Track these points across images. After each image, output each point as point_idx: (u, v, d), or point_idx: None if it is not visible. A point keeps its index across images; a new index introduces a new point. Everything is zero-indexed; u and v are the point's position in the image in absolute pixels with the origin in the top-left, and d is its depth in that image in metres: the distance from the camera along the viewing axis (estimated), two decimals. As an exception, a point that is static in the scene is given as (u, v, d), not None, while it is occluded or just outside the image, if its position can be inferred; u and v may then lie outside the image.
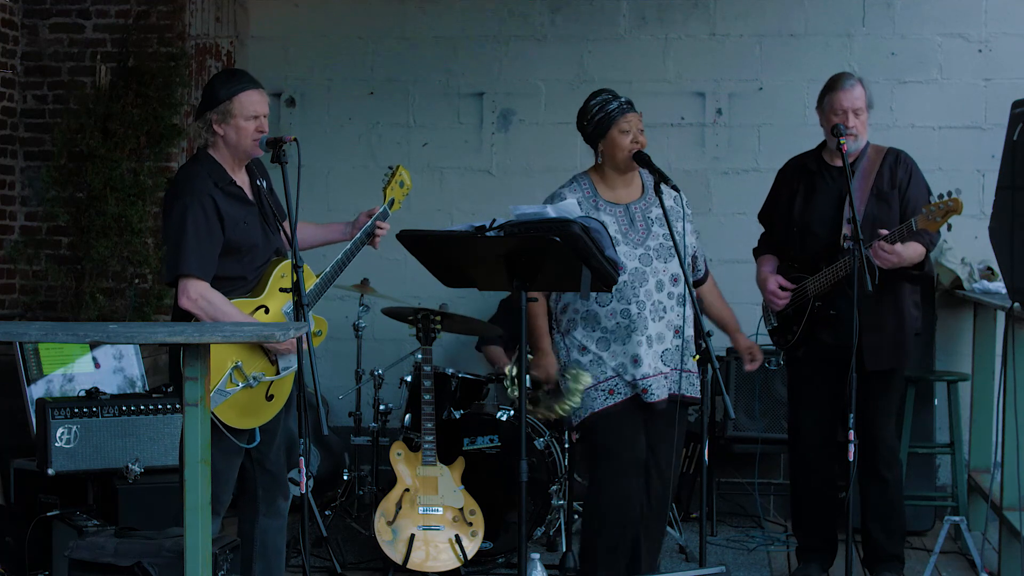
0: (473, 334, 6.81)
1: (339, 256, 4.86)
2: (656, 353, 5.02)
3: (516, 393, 5.10)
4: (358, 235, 4.91)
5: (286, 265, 4.70)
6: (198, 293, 4.46)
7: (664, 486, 5.17)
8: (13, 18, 7.12)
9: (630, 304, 4.98)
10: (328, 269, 4.82)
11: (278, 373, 4.65)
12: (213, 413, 4.36)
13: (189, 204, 4.49)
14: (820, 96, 5.58)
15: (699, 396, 5.16)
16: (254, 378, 4.55)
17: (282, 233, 4.75)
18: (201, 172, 4.60)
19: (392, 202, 5.04)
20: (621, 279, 4.81)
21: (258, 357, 4.59)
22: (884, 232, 5.30)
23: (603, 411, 5.01)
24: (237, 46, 7.46)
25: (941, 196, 5.19)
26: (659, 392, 5.00)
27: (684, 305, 5.00)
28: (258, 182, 4.76)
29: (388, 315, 6.11)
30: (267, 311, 4.65)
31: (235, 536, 4.71)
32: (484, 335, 6.78)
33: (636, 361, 4.99)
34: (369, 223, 4.92)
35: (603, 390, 5.02)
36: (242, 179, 4.69)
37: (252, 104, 4.62)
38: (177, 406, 5.51)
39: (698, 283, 5.30)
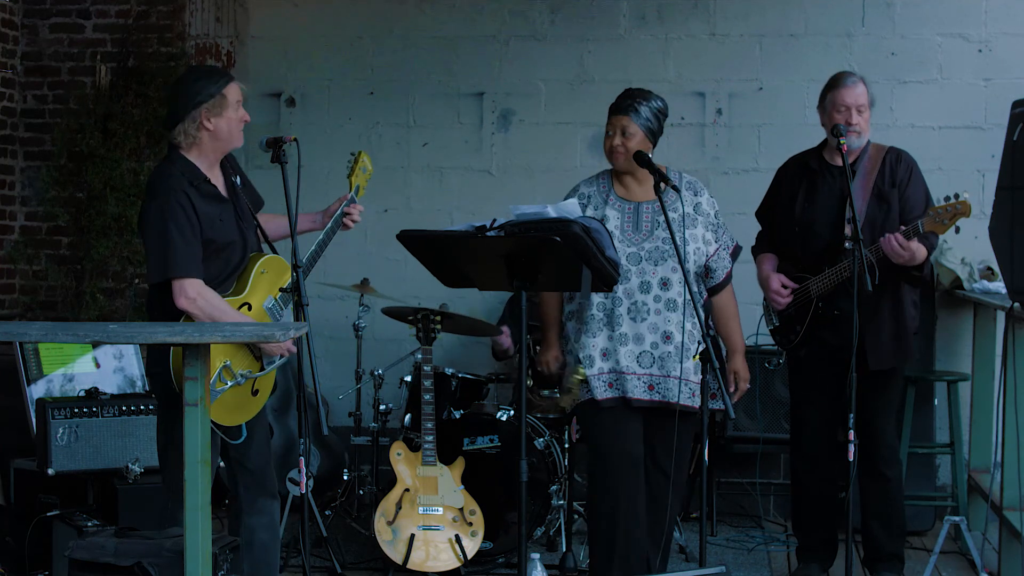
0: (473, 334, 6.80)
1: (313, 247, 4.86)
2: (631, 353, 5.01)
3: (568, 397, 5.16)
4: (329, 224, 4.93)
5: (266, 260, 4.72)
6: (196, 292, 4.45)
7: (660, 485, 5.16)
8: (13, 18, 7.13)
9: (606, 299, 5.00)
10: (304, 261, 4.80)
11: (263, 369, 4.66)
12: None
13: (166, 205, 4.48)
14: (822, 95, 5.57)
15: (696, 407, 5.07)
16: (242, 375, 4.55)
17: (258, 228, 4.78)
18: (174, 171, 4.58)
19: (358, 188, 5.07)
20: None
21: (244, 354, 4.60)
22: (903, 228, 5.28)
23: (587, 403, 5.05)
24: (237, 46, 7.46)
25: (948, 198, 5.17)
26: (635, 392, 5.01)
27: (683, 313, 4.99)
28: (232, 178, 4.77)
29: (388, 315, 6.11)
30: (250, 308, 4.66)
31: (235, 536, 4.71)
32: (484, 335, 6.77)
33: (605, 355, 5.01)
34: (339, 210, 4.95)
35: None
36: (216, 177, 4.69)
37: (237, 94, 4.66)
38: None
39: (713, 290, 5.26)
